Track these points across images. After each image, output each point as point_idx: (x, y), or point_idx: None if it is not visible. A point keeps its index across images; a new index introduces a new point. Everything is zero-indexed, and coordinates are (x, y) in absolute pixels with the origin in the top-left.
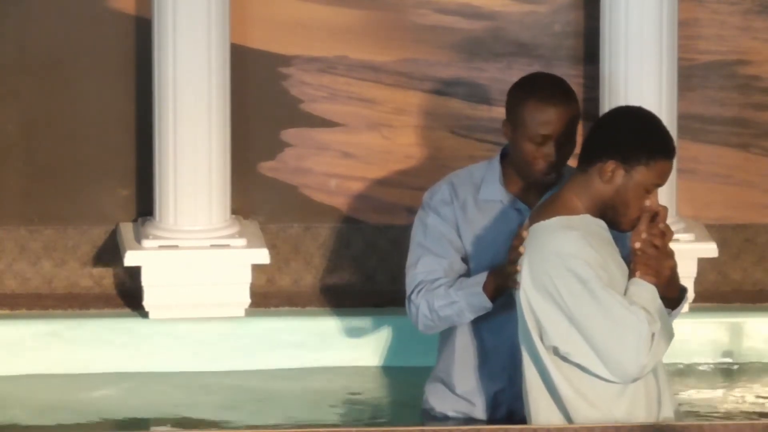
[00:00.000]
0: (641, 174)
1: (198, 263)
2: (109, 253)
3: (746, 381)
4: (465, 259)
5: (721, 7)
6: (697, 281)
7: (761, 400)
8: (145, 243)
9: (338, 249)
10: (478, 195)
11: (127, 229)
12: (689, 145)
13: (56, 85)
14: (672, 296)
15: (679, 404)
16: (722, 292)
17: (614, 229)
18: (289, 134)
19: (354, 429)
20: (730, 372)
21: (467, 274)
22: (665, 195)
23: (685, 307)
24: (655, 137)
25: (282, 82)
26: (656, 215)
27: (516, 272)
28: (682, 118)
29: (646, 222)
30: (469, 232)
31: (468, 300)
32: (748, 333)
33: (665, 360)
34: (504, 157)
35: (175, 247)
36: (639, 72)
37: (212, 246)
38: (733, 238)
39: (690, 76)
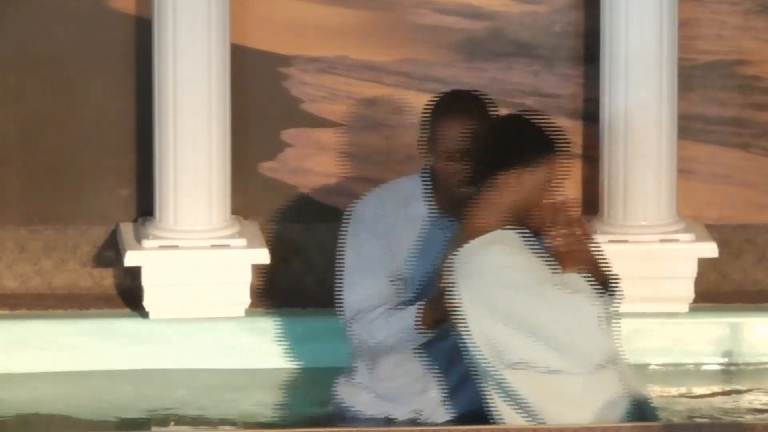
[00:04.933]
0: (537, 174)
1: (198, 263)
2: (109, 253)
3: (746, 381)
4: (398, 276)
5: (721, 7)
6: (697, 281)
7: (761, 400)
8: (145, 243)
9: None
10: (406, 210)
11: (127, 229)
12: (689, 145)
13: (56, 85)
14: (601, 280)
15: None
16: (722, 292)
17: (539, 233)
18: (289, 134)
19: (353, 429)
20: (730, 372)
21: (403, 290)
22: (665, 195)
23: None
24: (537, 135)
25: (282, 82)
26: (561, 209)
27: (452, 308)
28: (682, 118)
29: (551, 220)
30: (399, 248)
31: (408, 334)
32: (748, 333)
33: (664, 360)
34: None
35: (175, 247)
36: (639, 72)
37: (212, 246)
38: (733, 238)
39: (690, 76)
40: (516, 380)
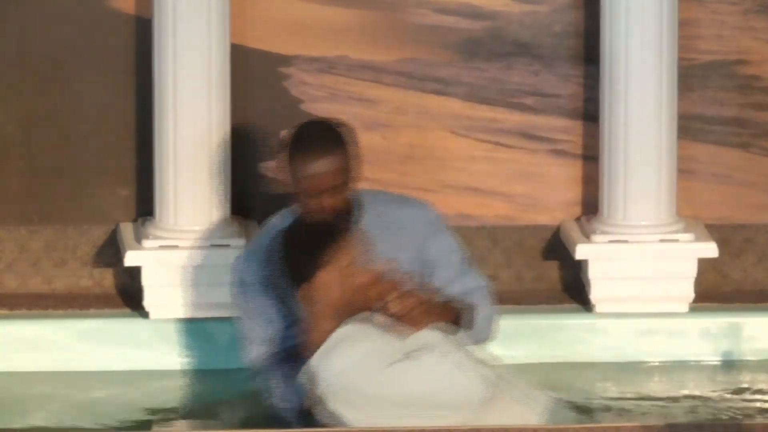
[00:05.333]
0: (332, 268)
1: (198, 263)
2: (109, 253)
3: (746, 381)
4: (293, 315)
5: (721, 7)
6: (697, 281)
7: (761, 400)
8: (145, 243)
9: None
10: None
11: (127, 229)
12: (689, 145)
13: (56, 85)
14: (453, 318)
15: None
16: (722, 292)
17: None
18: None
19: (357, 428)
20: (730, 372)
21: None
22: (665, 195)
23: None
24: (319, 234)
25: (282, 82)
26: (377, 279)
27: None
28: (682, 118)
29: (375, 294)
30: (282, 297)
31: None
32: (748, 333)
33: (664, 360)
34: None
35: (175, 247)
36: (639, 72)
37: (212, 246)
38: (733, 238)
39: (690, 76)
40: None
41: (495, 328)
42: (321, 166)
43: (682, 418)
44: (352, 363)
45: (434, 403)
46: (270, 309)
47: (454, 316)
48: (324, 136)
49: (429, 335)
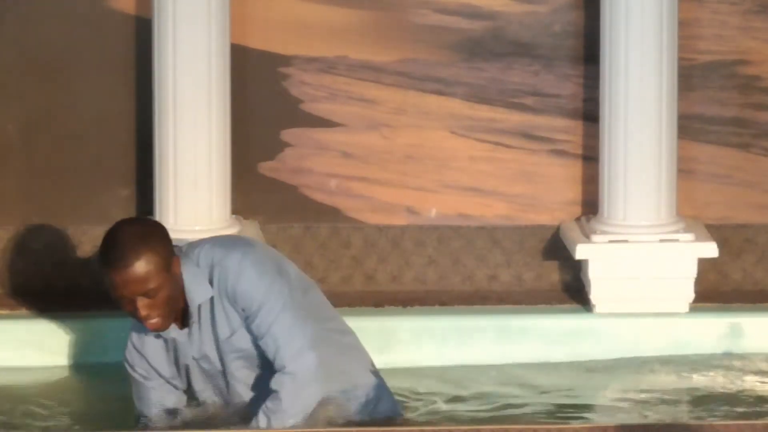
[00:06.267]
0: None
1: None
2: None
3: (746, 381)
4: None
5: (721, 7)
6: (697, 281)
7: (761, 400)
8: None
9: (338, 249)
10: (144, 346)
11: None
12: (689, 145)
13: (56, 85)
14: None
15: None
16: (722, 292)
17: None
18: (289, 134)
19: (354, 429)
20: (730, 372)
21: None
22: (665, 195)
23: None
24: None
25: (282, 82)
26: None
27: None
28: (682, 118)
29: None
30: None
31: None
32: (748, 333)
33: (664, 359)
34: None
35: (175, 247)
36: (639, 72)
37: None
38: (733, 238)
39: (690, 76)
40: None
41: (308, 384)
42: (129, 273)
43: (682, 418)
44: None
45: None
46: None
47: None
48: (129, 241)
49: None
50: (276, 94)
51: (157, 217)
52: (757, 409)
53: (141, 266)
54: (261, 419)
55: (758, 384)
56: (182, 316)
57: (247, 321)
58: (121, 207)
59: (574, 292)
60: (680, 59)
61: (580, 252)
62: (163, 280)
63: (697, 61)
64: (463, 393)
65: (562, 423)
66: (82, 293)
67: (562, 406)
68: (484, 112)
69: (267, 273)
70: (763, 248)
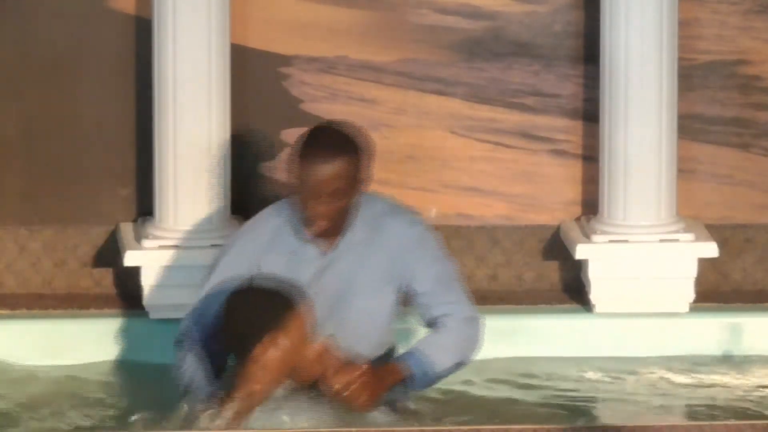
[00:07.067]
0: (290, 334)
1: (198, 263)
2: (109, 253)
3: (746, 381)
4: None
5: (721, 7)
6: (697, 281)
7: (761, 400)
8: (145, 243)
9: None
10: (274, 244)
11: (127, 229)
12: (689, 145)
13: (56, 85)
14: (394, 382)
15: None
16: (722, 292)
17: (301, 383)
18: (289, 134)
19: (354, 429)
20: (730, 372)
21: None
22: (665, 195)
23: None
24: (273, 300)
25: (282, 82)
26: (324, 354)
27: None
28: (682, 118)
29: (320, 368)
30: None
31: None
32: (748, 333)
33: (664, 359)
34: None
35: (175, 247)
36: (639, 72)
37: (212, 246)
38: (733, 238)
39: (690, 76)
40: None
41: (464, 364)
42: (325, 169)
43: (682, 418)
44: None
45: None
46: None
47: (397, 377)
48: (336, 140)
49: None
50: (276, 94)
51: (157, 217)
52: (757, 409)
53: (342, 165)
54: (419, 349)
55: (758, 384)
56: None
57: (409, 284)
58: (121, 207)
59: (574, 292)
60: (680, 59)
61: (580, 252)
62: (351, 189)
63: (697, 61)
64: (463, 392)
65: (562, 423)
66: (82, 293)
67: (562, 406)
68: (484, 112)
69: (441, 249)
70: (763, 248)
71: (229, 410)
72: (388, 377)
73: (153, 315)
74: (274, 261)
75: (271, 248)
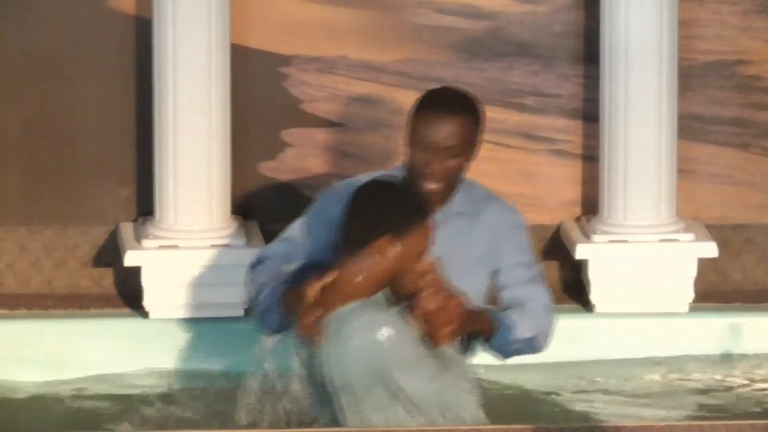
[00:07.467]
0: (417, 240)
1: (198, 263)
2: (109, 253)
3: (746, 381)
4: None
5: (721, 7)
6: (697, 281)
7: (761, 400)
8: (145, 243)
9: None
10: None
11: (127, 229)
12: (689, 145)
13: (56, 85)
14: (478, 327)
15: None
16: (722, 292)
17: (397, 296)
18: (289, 134)
19: (356, 429)
20: (730, 372)
21: None
22: (665, 195)
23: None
24: (415, 202)
25: (282, 82)
26: (430, 272)
27: (309, 333)
28: (682, 118)
29: (422, 283)
30: None
31: (270, 297)
32: (748, 333)
33: (664, 359)
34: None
35: (175, 247)
36: (639, 72)
37: (212, 246)
38: (733, 238)
39: (690, 76)
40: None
41: (534, 346)
42: (443, 125)
43: (682, 418)
44: (385, 343)
45: (434, 414)
46: (315, 241)
47: (484, 325)
48: (454, 100)
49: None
50: (276, 94)
51: (157, 217)
52: (757, 409)
53: (459, 123)
54: (504, 312)
55: (758, 384)
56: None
57: (497, 265)
58: (121, 207)
59: (574, 292)
60: (680, 59)
61: (580, 252)
62: (465, 150)
63: (697, 61)
64: None
65: (561, 423)
66: (82, 293)
67: (561, 406)
68: None
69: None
70: (763, 248)
71: (313, 295)
72: (476, 320)
73: (153, 315)
74: None
75: None
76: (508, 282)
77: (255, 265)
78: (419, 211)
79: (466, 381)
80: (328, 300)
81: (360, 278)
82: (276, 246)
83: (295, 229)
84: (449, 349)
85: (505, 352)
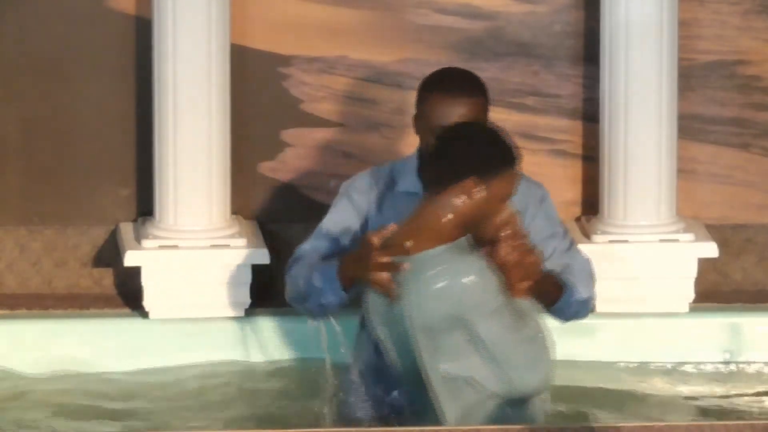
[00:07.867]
0: (504, 184)
1: (198, 263)
2: (109, 253)
3: (746, 381)
4: None
5: (721, 7)
6: (697, 281)
7: (761, 400)
8: (145, 243)
9: None
10: (396, 187)
11: (127, 229)
12: (689, 145)
13: (56, 85)
14: (548, 288)
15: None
16: (722, 292)
17: (477, 243)
18: (289, 134)
19: (353, 429)
20: (729, 372)
21: None
22: (665, 195)
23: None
24: (506, 145)
25: (282, 82)
26: (511, 221)
27: (384, 283)
28: (682, 118)
29: (502, 231)
30: (380, 223)
31: (330, 284)
32: (748, 333)
33: (664, 360)
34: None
35: (175, 247)
36: (639, 72)
37: (212, 246)
38: (733, 238)
39: (690, 76)
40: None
41: (588, 308)
42: (456, 103)
43: (682, 418)
44: (465, 287)
45: (509, 375)
46: (346, 229)
47: (551, 286)
48: (465, 79)
49: (527, 305)
50: (276, 94)
51: (157, 217)
52: (757, 409)
53: (471, 101)
54: (569, 282)
55: (758, 384)
56: None
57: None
58: (121, 207)
59: None
60: (680, 59)
61: None
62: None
63: (697, 61)
64: None
65: (561, 423)
66: (82, 293)
67: (561, 406)
68: None
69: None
70: (763, 248)
71: (379, 242)
72: (549, 280)
73: (153, 315)
74: (390, 203)
75: (390, 190)
76: (546, 254)
77: (292, 265)
78: (505, 155)
79: (542, 334)
80: (413, 241)
81: (448, 218)
82: (308, 244)
83: (326, 223)
84: (526, 303)
85: (567, 315)
